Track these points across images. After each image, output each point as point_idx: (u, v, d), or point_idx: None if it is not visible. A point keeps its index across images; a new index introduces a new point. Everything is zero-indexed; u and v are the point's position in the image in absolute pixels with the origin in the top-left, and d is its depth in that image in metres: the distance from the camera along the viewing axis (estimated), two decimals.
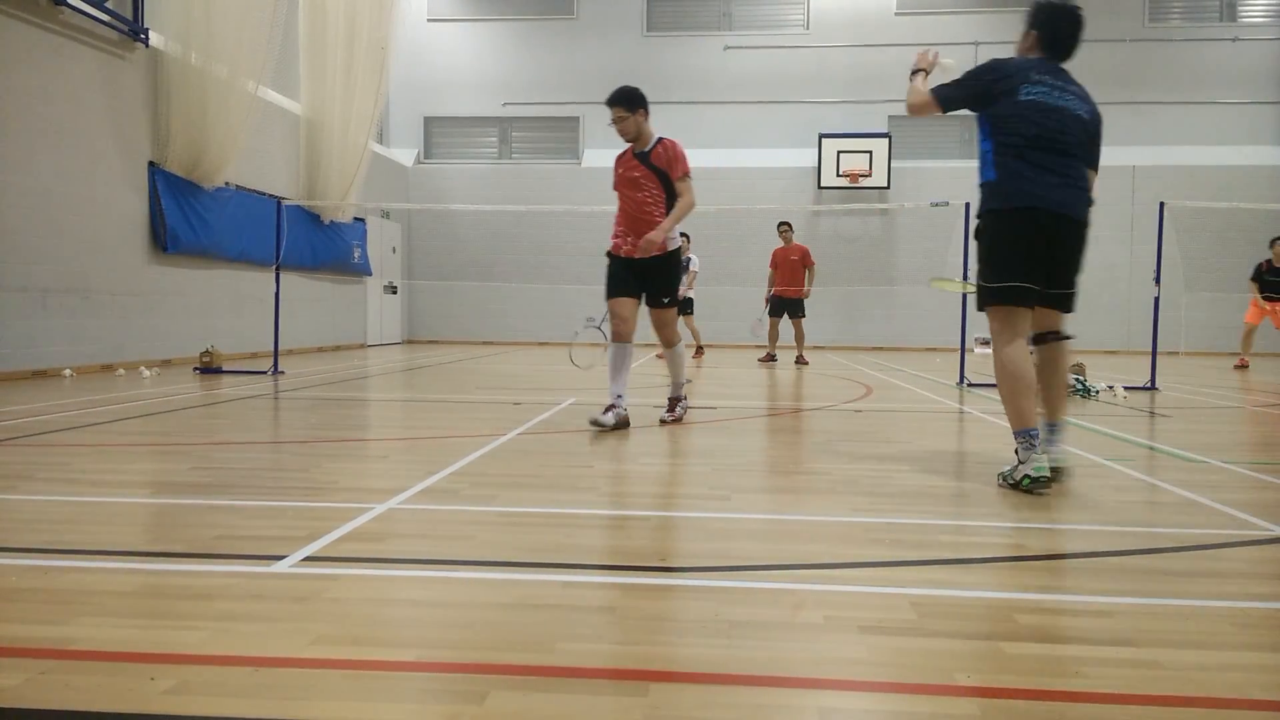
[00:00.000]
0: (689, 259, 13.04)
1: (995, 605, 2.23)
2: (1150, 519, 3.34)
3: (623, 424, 5.37)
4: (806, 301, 12.35)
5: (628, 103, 5.29)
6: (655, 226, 5.29)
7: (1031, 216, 3.69)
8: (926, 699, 1.69)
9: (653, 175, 5.33)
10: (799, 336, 12.26)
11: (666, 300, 5.49)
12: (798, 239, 18.88)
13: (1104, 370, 11.19)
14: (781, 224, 12.43)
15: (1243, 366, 12.44)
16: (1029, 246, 3.71)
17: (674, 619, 2.10)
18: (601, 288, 5.51)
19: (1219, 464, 4.36)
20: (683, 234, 13.28)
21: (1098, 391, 7.96)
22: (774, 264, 12.40)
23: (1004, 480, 3.72)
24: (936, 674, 1.80)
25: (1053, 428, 3.86)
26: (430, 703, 1.66)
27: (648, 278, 5.46)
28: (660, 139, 5.38)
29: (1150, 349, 9.11)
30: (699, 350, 13.35)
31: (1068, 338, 3.96)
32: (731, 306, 17.10)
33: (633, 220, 5.40)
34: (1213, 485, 3.82)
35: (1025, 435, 3.64)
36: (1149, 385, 8.55)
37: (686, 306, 13.04)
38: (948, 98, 3.89)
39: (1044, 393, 3.88)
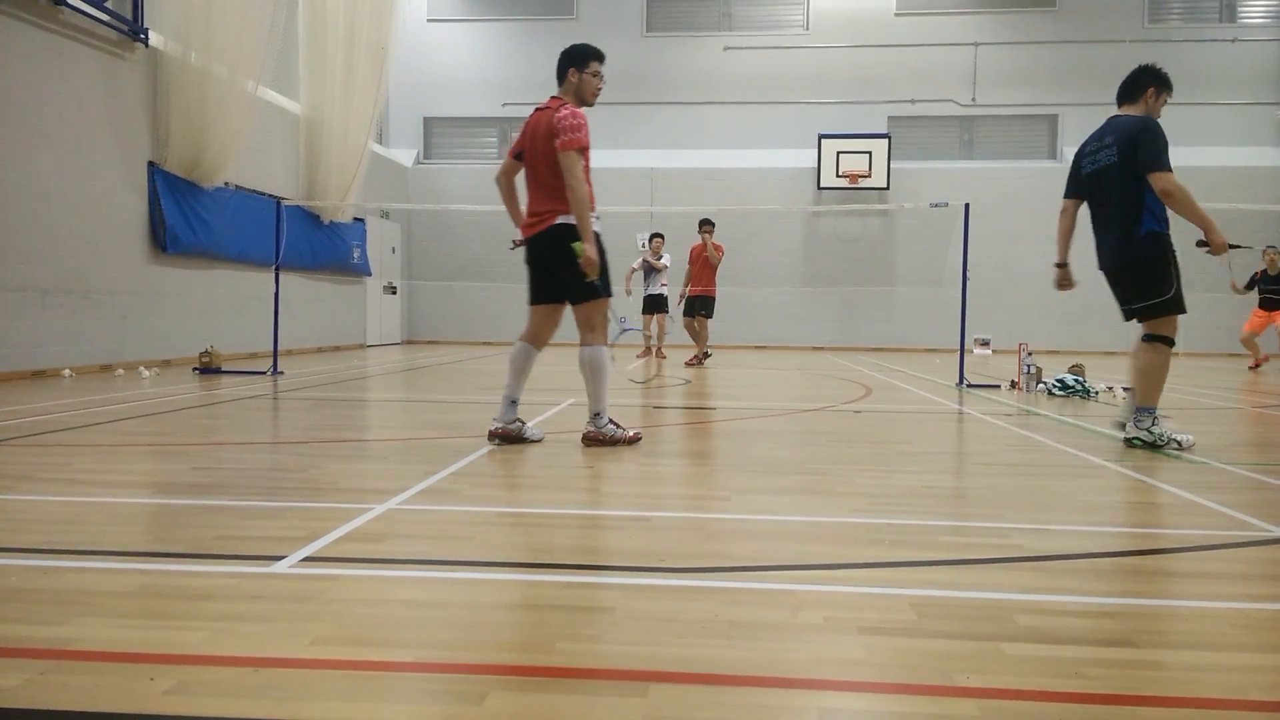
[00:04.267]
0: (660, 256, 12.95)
1: (995, 606, 2.23)
2: (1150, 520, 3.35)
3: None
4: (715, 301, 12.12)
5: None
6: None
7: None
8: (926, 700, 1.69)
9: None
10: (703, 336, 11.99)
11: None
12: (798, 238, 18.78)
13: (1103, 371, 11.19)
14: (704, 221, 11.92)
15: (1257, 365, 12.63)
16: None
17: (674, 619, 2.10)
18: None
19: (1218, 465, 4.36)
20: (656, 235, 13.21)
21: (1097, 392, 7.97)
22: (691, 260, 12.06)
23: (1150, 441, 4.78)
24: (936, 675, 1.80)
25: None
26: (429, 703, 1.66)
27: None
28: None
29: None
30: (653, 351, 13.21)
31: (1156, 339, 4.87)
32: (732, 307, 17.07)
33: None
34: (1212, 486, 3.82)
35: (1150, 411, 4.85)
36: None
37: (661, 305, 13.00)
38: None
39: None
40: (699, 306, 11.92)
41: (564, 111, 4.63)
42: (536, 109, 4.81)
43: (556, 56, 4.89)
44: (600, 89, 4.87)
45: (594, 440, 4.74)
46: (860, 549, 2.77)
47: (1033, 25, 18.16)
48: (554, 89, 4.94)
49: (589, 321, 4.73)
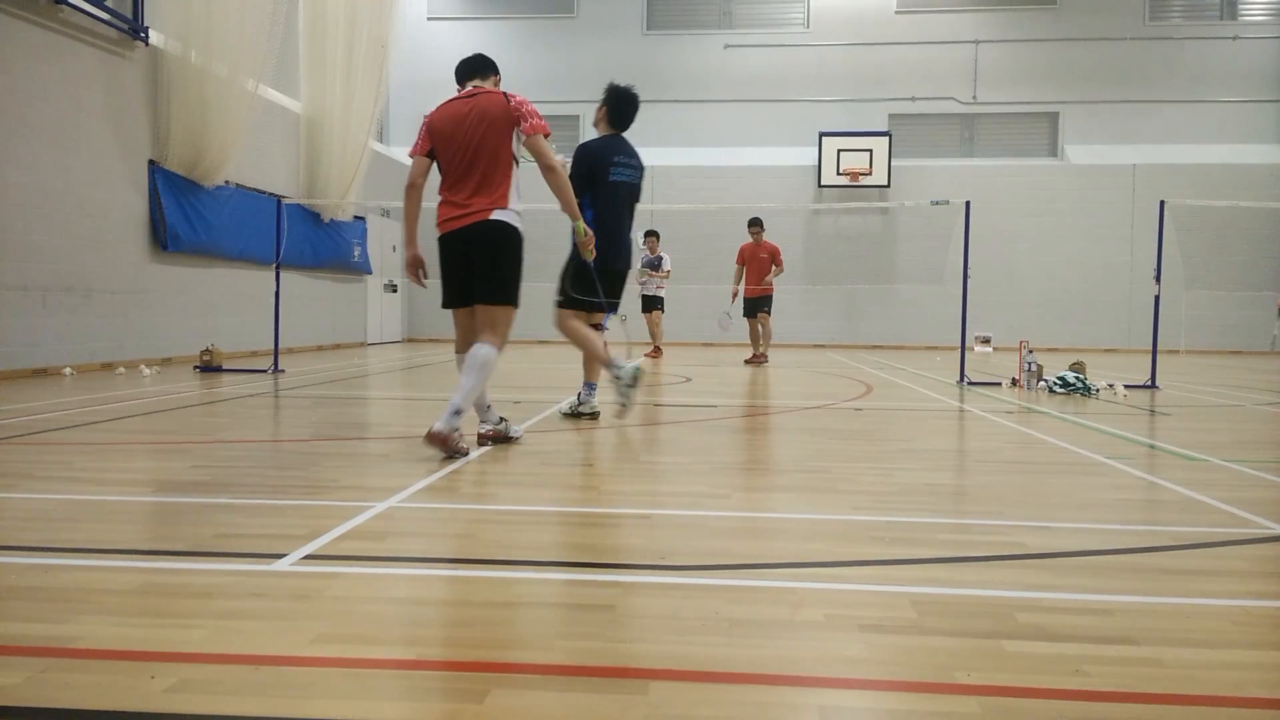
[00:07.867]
0: (661, 258, 13.06)
1: (995, 603, 2.23)
2: (1150, 517, 3.35)
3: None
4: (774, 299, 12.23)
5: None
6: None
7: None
8: (927, 697, 1.69)
9: None
10: (766, 334, 12.13)
11: None
12: (799, 237, 18.76)
13: (1104, 368, 11.19)
14: (753, 221, 12.17)
15: None
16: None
17: (674, 617, 2.10)
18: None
19: (1219, 462, 4.36)
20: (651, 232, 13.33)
21: (1098, 390, 7.96)
22: (742, 260, 12.18)
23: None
24: (937, 672, 1.80)
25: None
26: (430, 701, 1.66)
27: None
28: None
29: (1150, 347, 9.10)
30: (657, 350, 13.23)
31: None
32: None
33: None
34: (1213, 483, 3.82)
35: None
36: (1149, 384, 8.55)
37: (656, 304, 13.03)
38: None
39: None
40: (760, 305, 11.99)
41: (519, 98, 4.36)
42: (456, 99, 4.42)
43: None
44: None
45: (437, 439, 4.13)
46: (861, 546, 2.77)
47: (1033, 23, 18.15)
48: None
49: (494, 324, 4.35)
